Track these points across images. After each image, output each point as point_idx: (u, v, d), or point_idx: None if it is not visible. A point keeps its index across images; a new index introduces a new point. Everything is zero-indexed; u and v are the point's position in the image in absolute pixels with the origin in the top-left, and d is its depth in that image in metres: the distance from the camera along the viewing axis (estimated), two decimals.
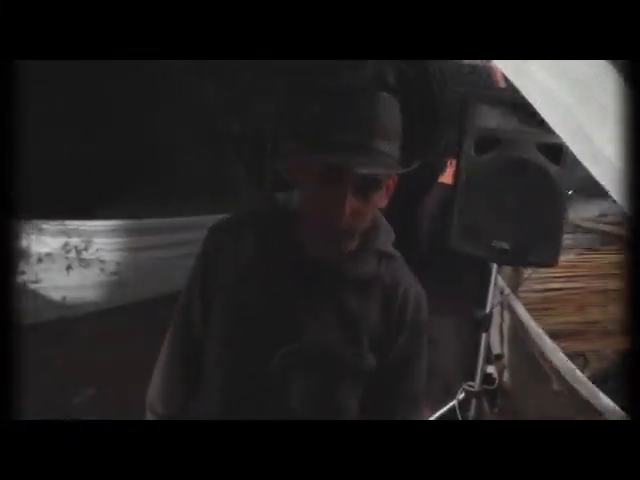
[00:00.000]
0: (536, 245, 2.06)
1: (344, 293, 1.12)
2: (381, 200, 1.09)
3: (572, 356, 3.16)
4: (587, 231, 3.59)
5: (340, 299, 1.12)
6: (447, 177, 2.86)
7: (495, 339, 2.94)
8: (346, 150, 0.98)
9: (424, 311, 1.18)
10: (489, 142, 2.03)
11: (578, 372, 1.95)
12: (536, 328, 2.39)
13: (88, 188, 4.64)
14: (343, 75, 1.50)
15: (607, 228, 3.58)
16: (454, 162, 2.62)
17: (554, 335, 2.94)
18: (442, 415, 2.27)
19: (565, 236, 2.19)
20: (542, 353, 2.21)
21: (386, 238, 1.18)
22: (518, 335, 2.56)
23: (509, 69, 0.92)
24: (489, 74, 2.44)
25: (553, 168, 1.98)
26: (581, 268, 3.50)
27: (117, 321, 4.43)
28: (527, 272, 2.96)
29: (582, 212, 3.58)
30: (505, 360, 2.85)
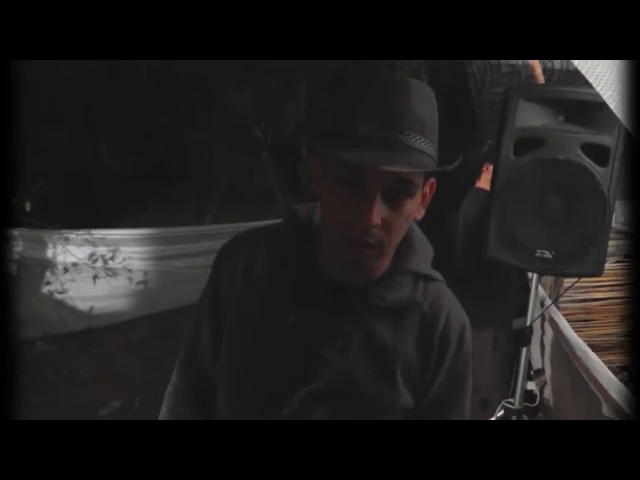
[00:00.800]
0: (580, 253, 1.93)
1: (374, 323, 0.93)
2: (416, 210, 0.90)
3: (615, 370, 3.01)
4: (630, 237, 3.41)
5: (369, 330, 0.93)
6: (483, 182, 2.75)
7: (535, 353, 2.80)
8: (370, 146, 0.80)
9: (468, 344, 0.98)
10: (530, 143, 1.90)
11: (629, 393, 1.80)
12: (580, 342, 2.24)
13: (115, 197, 4.65)
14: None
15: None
16: (490, 167, 2.51)
17: (595, 348, 2.79)
18: None
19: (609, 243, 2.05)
20: (587, 370, 2.07)
21: (424, 257, 0.99)
22: (561, 349, 2.42)
23: None
24: (529, 73, 2.33)
25: (599, 170, 1.84)
26: (623, 276, 3.33)
27: (145, 331, 4.42)
28: (568, 282, 2.82)
29: (624, 217, 3.41)
30: (546, 376, 2.71)
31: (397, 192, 0.84)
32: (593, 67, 0.83)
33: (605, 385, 1.89)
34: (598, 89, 0.82)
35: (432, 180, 0.93)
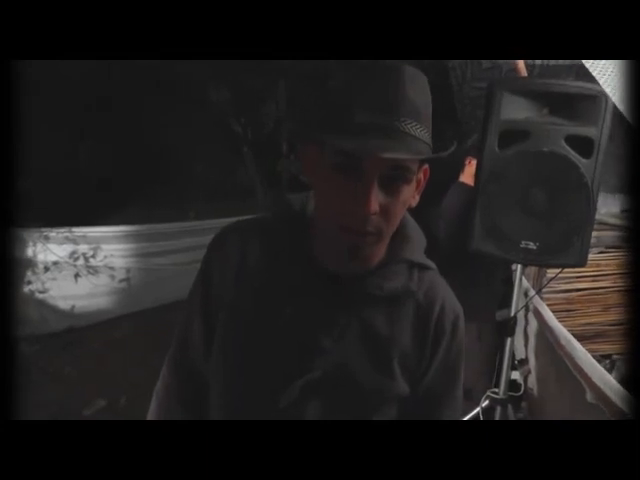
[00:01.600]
0: (565, 244, 1.94)
1: (370, 312, 0.94)
2: (412, 196, 0.90)
3: (598, 359, 3.05)
4: (611, 228, 3.45)
5: (365, 320, 0.93)
6: (467, 176, 2.76)
7: (519, 343, 2.83)
8: (366, 133, 0.79)
9: (461, 333, 0.99)
10: (515, 135, 1.91)
11: (613, 380, 1.83)
12: (564, 332, 2.27)
13: (96, 193, 4.60)
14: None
15: (632, 224, 3.44)
16: (474, 161, 2.52)
17: (578, 337, 2.83)
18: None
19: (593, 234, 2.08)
20: (571, 358, 2.09)
21: (418, 245, 0.99)
22: (545, 339, 2.44)
23: None
24: (510, 67, 2.34)
25: (583, 162, 1.86)
26: (606, 267, 3.37)
27: (128, 329, 4.38)
28: (551, 272, 2.85)
29: (605, 208, 3.46)
30: (530, 365, 2.74)
31: (394, 179, 0.84)
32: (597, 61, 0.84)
33: (589, 373, 1.91)
34: (601, 82, 0.83)
35: (426, 166, 0.93)
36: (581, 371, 1.95)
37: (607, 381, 1.82)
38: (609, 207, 3.52)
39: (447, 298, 0.99)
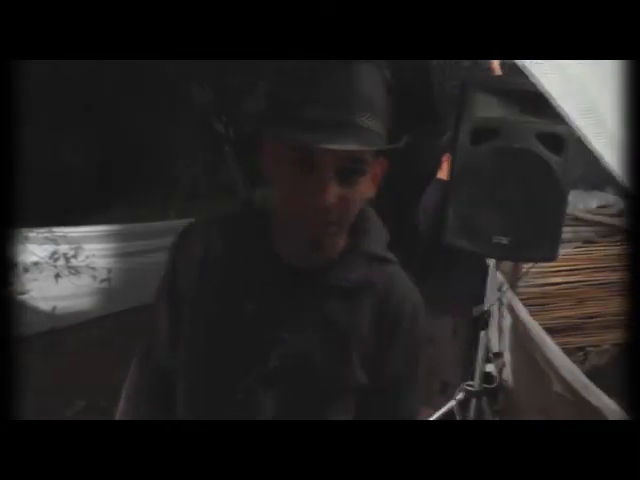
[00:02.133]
0: (536, 239, 1.99)
1: (331, 304, 0.96)
2: (368, 187, 0.93)
3: (572, 351, 3.12)
4: (586, 223, 3.52)
5: (326, 311, 0.96)
6: (444, 172, 2.80)
7: (494, 337, 2.88)
8: (319, 128, 0.80)
9: (421, 325, 1.02)
10: (487, 132, 1.96)
11: (579, 372, 1.88)
12: (536, 326, 2.32)
13: (77, 193, 4.57)
14: None
15: (607, 220, 3.51)
16: (450, 157, 2.56)
17: (553, 330, 2.89)
18: (442, 416, 2.21)
19: (564, 229, 2.13)
20: (543, 352, 2.15)
21: (378, 239, 1.02)
22: (518, 332, 2.50)
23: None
24: (488, 65, 2.38)
25: (554, 159, 1.91)
26: (580, 261, 3.44)
27: (110, 330, 4.35)
28: (525, 267, 2.90)
29: (581, 204, 3.52)
30: (505, 358, 2.79)
31: (350, 171, 0.86)
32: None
33: (557, 365, 1.97)
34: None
35: (383, 159, 0.95)
36: (550, 363, 2.00)
37: (574, 373, 1.88)
38: (586, 203, 3.58)
39: (407, 290, 1.02)
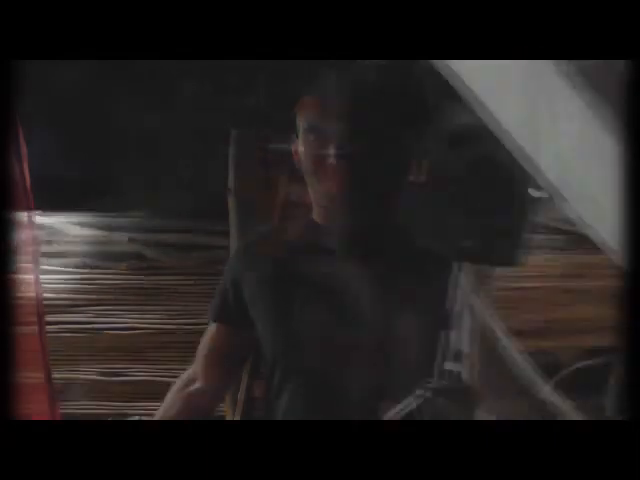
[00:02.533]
0: (500, 244, 2.05)
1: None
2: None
3: (537, 354, 3.18)
4: (557, 232, 3.61)
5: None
6: (417, 175, 2.85)
7: (458, 337, 2.93)
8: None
9: None
10: (459, 139, 2.01)
11: (536, 374, 1.95)
12: (497, 328, 2.38)
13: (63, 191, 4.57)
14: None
15: (576, 229, 3.59)
16: (422, 161, 2.62)
17: (519, 333, 2.95)
18: (401, 411, 2.25)
19: (535, 236, 2.18)
20: (504, 353, 2.21)
21: None
22: (481, 334, 2.56)
23: None
24: None
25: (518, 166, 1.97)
26: (549, 268, 3.53)
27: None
28: (493, 271, 2.96)
29: (552, 213, 3.59)
30: (470, 359, 2.85)
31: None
32: None
33: (516, 367, 2.02)
34: None
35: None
36: (509, 365, 2.06)
37: (532, 376, 1.93)
38: (555, 212, 3.65)
39: None
